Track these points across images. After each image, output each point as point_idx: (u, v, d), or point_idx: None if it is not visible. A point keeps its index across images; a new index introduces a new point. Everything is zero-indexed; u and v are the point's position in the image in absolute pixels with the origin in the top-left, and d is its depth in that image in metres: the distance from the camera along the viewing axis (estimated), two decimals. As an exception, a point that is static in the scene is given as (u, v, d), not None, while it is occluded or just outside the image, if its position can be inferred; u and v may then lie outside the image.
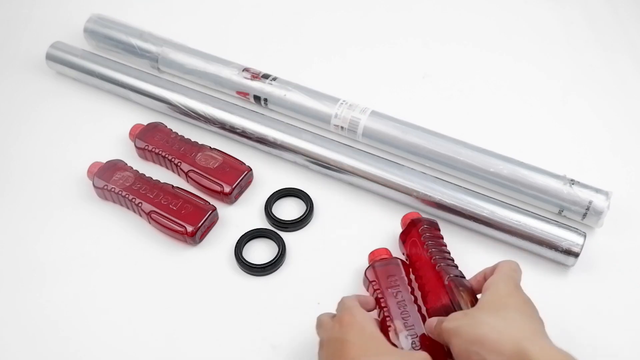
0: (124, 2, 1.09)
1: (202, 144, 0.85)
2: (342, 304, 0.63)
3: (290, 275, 0.75)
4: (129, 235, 0.79)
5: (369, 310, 0.65)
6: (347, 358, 0.55)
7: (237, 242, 0.76)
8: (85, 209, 0.82)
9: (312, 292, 0.74)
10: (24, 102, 0.95)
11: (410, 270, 0.71)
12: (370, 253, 0.72)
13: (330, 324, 0.60)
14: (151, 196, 0.79)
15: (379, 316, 0.67)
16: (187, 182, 0.83)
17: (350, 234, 0.79)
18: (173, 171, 0.85)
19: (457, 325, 0.57)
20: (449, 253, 0.71)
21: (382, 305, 0.67)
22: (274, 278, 0.75)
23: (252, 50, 1.01)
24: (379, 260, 0.71)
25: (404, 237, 0.74)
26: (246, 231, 0.78)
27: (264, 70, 0.92)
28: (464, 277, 0.67)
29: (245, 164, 0.83)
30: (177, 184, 0.82)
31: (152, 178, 0.81)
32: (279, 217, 0.79)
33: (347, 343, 0.56)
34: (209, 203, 0.79)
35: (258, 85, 0.91)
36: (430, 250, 0.69)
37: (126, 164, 0.83)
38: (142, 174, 0.82)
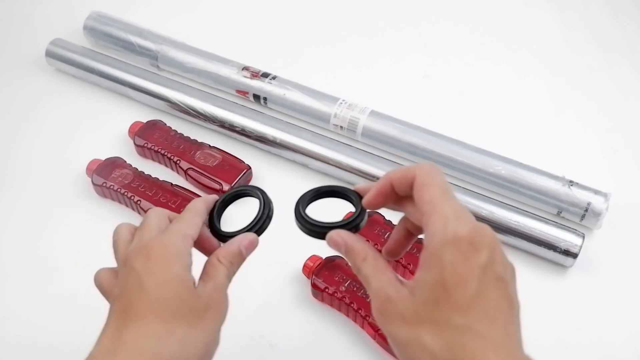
0: (124, -1, 1.10)
1: (201, 142, 0.85)
2: (154, 215, 0.50)
3: (290, 273, 0.75)
4: (127, 232, 0.79)
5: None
6: (134, 310, 0.44)
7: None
8: (84, 206, 0.82)
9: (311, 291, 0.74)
10: (23, 99, 0.95)
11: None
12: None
13: (133, 248, 0.47)
14: (150, 194, 0.79)
15: None
16: (186, 180, 0.83)
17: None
18: (172, 169, 0.85)
19: (394, 336, 0.41)
20: None
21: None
22: (273, 276, 0.75)
23: (251, 49, 1.01)
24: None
25: None
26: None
27: (264, 69, 0.92)
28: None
29: (244, 162, 0.83)
30: (176, 181, 0.82)
31: (151, 176, 0.81)
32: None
33: (142, 289, 0.44)
34: (208, 201, 0.79)
35: (257, 84, 0.91)
36: None
37: (125, 162, 0.83)
38: (141, 171, 0.82)
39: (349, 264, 0.47)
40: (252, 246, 0.51)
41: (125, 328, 0.43)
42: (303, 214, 0.50)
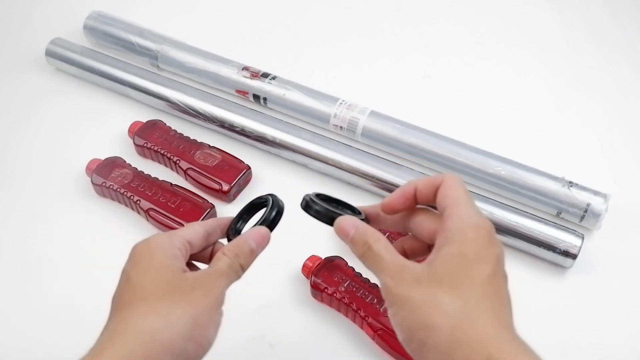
0: (124, -1, 1.10)
1: (201, 142, 0.85)
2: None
3: (290, 273, 0.75)
4: (127, 232, 0.79)
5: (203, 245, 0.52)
6: (122, 302, 0.45)
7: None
8: (84, 205, 0.82)
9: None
10: (23, 98, 0.95)
11: None
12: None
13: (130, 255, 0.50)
14: (149, 194, 0.79)
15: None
16: (186, 180, 0.83)
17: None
18: (172, 169, 0.85)
19: (407, 297, 0.42)
20: None
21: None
22: (272, 276, 0.75)
23: (251, 49, 1.01)
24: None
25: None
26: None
27: (264, 69, 0.92)
28: None
29: (244, 163, 0.83)
30: (176, 181, 0.82)
31: (150, 175, 0.81)
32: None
33: (128, 282, 0.46)
34: (207, 201, 0.79)
35: (257, 84, 0.91)
36: None
37: (125, 161, 0.83)
38: (140, 171, 0.82)
39: (355, 248, 0.47)
40: (262, 238, 0.51)
41: (113, 319, 0.45)
42: (314, 197, 0.51)
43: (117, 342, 0.43)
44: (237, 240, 0.50)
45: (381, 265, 0.44)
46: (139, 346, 0.42)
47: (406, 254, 0.51)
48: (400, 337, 0.43)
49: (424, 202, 0.48)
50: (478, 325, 0.40)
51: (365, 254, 0.46)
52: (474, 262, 0.42)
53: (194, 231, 0.50)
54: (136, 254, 0.48)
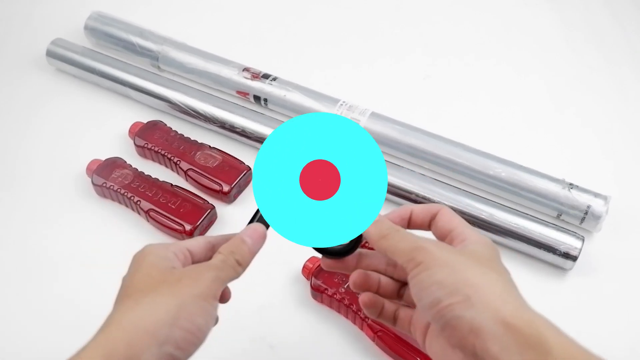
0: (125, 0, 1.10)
1: (201, 143, 0.85)
2: None
3: (290, 274, 0.75)
4: (127, 233, 0.79)
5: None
6: (114, 303, 0.46)
7: None
8: (84, 206, 0.82)
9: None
10: (23, 98, 0.95)
11: None
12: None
13: None
14: (150, 194, 0.79)
15: None
16: (186, 180, 0.83)
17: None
18: (172, 169, 0.85)
19: (453, 260, 0.44)
20: None
21: None
22: (273, 277, 0.75)
23: (251, 49, 1.01)
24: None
25: None
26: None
27: (263, 69, 0.92)
28: None
29: (244, 163, 0.83)
30: (176, 182, 0.82)
31: (151, 176, 0.81)
32: None
33: (121, 286, 0.47)
34: (208, 202, 0.79)
35: (258, 85, 0.91)
36: None
37: (125, 162, 0.83)
38: (141, 172, 0.82)
39: (379, 228, 0.48)
40: (257, 234, 0.51)
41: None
42: None
43: (100, 335, 0.43)
44: (233, 239, 0.50)
45: (418, 237, 0.46)
46: (121, 335, 0.42)
47: (379, 292, 0.53)
48: (433, 295, 0.43)
49: (417, 226, 0.51)
50: (518, 297, 0.44)
51: (392, 233, 0.47)
52: (497, 262, 0.46)
53: (195, 241, 0.51)
54: (131, 262, 0.49)
